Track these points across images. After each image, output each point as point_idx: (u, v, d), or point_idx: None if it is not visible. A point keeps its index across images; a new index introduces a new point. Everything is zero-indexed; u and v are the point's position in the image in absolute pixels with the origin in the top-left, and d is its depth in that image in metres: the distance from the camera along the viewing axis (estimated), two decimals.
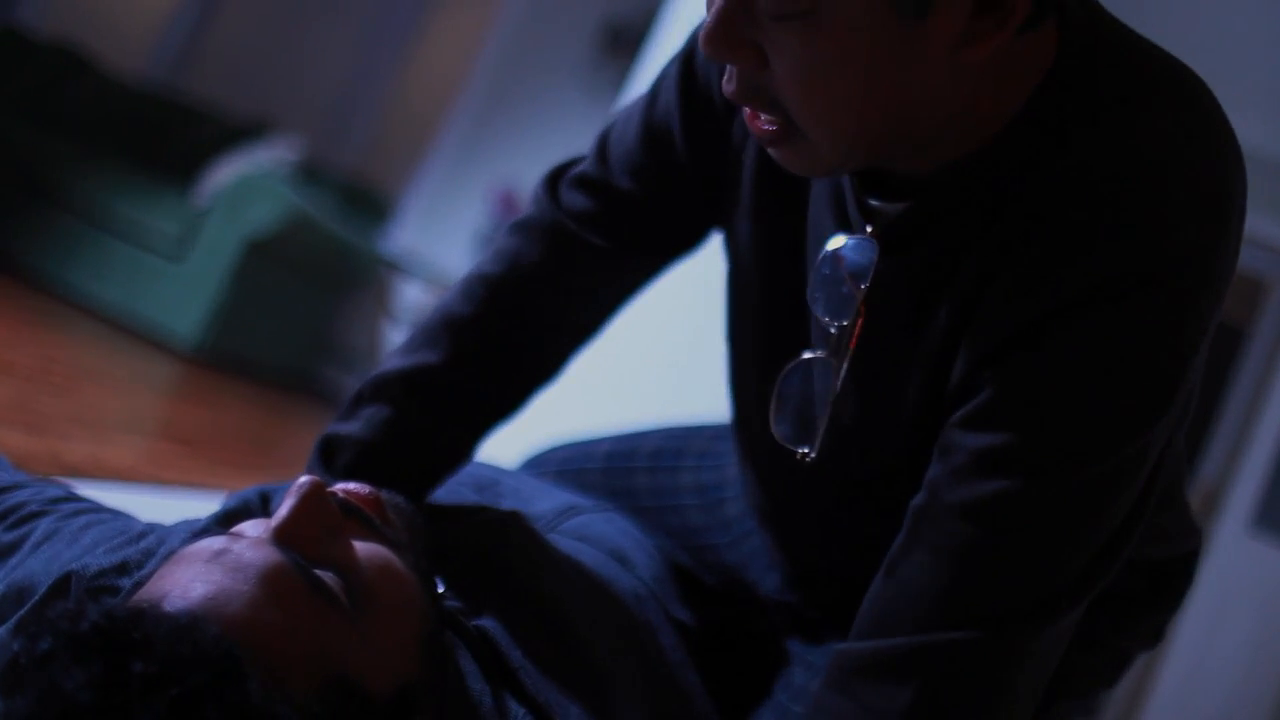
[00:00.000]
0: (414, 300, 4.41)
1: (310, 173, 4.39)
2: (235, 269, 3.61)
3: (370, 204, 4.71)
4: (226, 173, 3.83)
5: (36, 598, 0.77)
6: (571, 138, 4.58)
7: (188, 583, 0.61)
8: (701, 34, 0.69)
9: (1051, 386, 0.71)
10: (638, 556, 0.97)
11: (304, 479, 0.69)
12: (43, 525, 0.87)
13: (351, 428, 0.95)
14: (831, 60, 0.66)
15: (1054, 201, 0.71)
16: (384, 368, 0.99)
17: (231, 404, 3.29)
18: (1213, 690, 3.36)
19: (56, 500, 0.91)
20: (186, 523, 0.87)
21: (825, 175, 0.81)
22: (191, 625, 0.57)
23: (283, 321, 4.14)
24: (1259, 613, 3.43)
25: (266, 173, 3.75)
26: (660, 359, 2.20)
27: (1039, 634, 0.72)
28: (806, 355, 0.84)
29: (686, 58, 0.92)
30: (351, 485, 0.78)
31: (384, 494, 0.79)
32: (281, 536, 0.65)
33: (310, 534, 0.66)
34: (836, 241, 0.80)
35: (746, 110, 0.73)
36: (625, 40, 4.57)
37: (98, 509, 0.91)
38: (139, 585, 0.68)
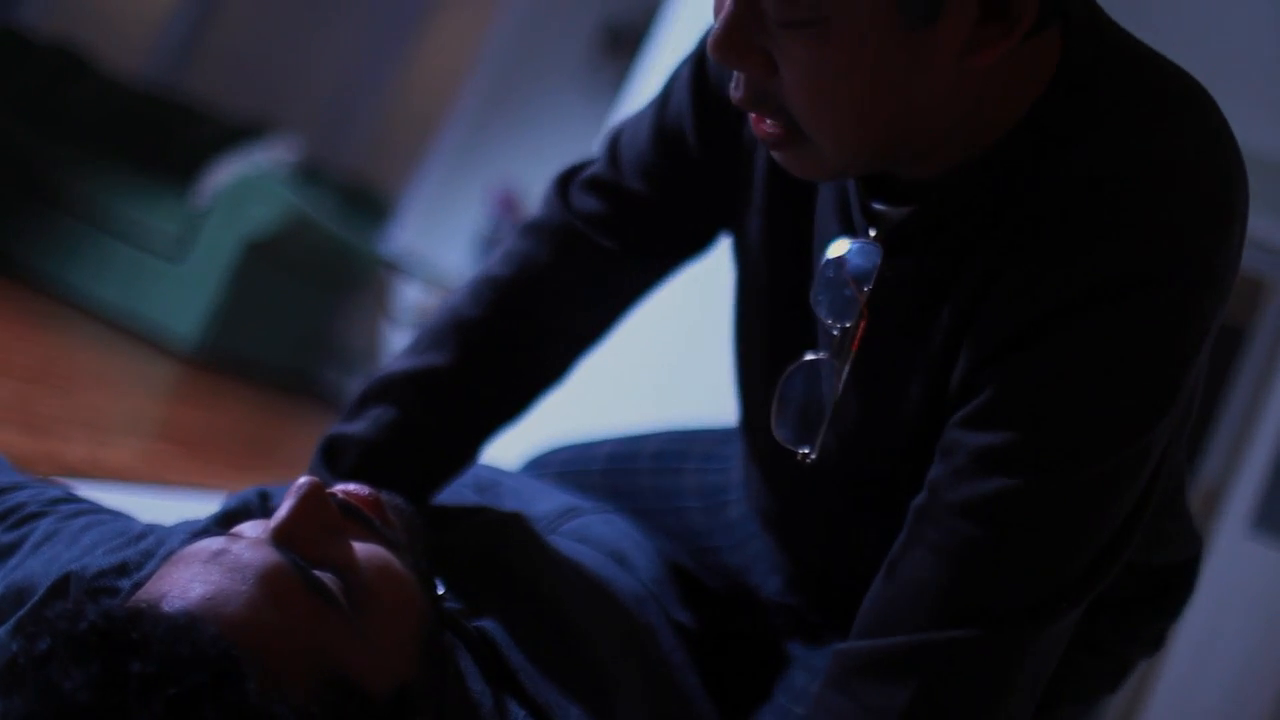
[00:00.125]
0: (414, 301, 4.42)
1: (310, 173, 4.39)
2: (235, 269, 3.61)
3: (370, 204, 4.71)
4: (226, 173, 3.83)
5: (36, 598, 0.77)
6: (571, 138, 4.59)
7: (186, 583, 0.61)
8: (710, 40, 0.69)
9: (1052, 385, 0.71)
10: (638, 558, 0.97)
11: (303, 479, 0.69)
12: (43, 526, 0.87)
13: (356, 428, 0.95)
14: (839, 67, 0.66)
15: (1056, 203, 0.71)
16: (390, 368, 0.99)
17: (231, 404, 3.29)
18: (1213, 690, 3.36)
19: (56, 501, 0.91)
20: (186, 523, 0.87)
21: (829, 180, 0.82)
22: (189, 625, 0.57)
23: (282, 322, 4.14)
24: (1259, 613, 3.42)
25: (266, 173, 3.75)
26: (655, 361, 2.20)
27: (1039, 633, 0.72)
28: (809, 357, 0.84)
29: (698, 59, 0.92)
30: (351, 486, 0.78)
31: (383, 495, 0.79)
32: (280, 537, 0.65)
33: (309, 535, 0.66)
34: (840, 245, 0.80)
35: (753, 114, 0.74)
36: (625, 41, 4.57)
37: (97, 510, 0.91)
38: (138, 586, 0.68)
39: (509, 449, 1.21)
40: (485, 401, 1.00)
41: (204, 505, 0.97)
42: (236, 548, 0.64)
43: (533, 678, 0.76)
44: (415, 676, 0.67)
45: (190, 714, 0.54)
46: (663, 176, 0.96)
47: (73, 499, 0.93)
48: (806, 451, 0.84)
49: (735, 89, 0.72)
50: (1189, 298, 0.70)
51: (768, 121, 0.72)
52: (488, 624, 0.78)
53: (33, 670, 0.54)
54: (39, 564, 0.82)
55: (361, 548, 0.70)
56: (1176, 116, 0.70)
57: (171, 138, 4.28)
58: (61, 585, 0.76)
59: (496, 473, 1.09)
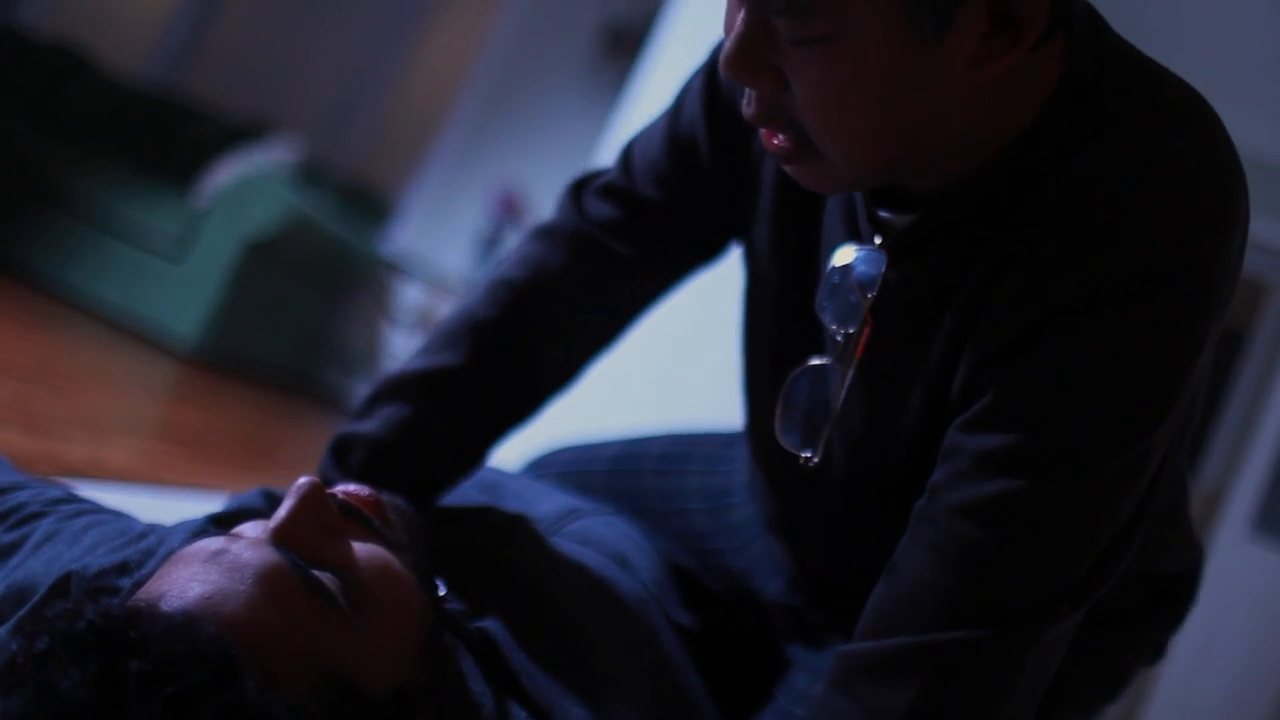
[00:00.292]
0: (414, 301, 4.42)
1: (310, 173, 4.40)
2: (235, 270, 3.61)
3: (370, 205, 4.72)
4: (226, 173, 3.83)
5: (37, 598, 0.77)
6: (572, 139, 4.59)
7: (185, 582, 0.61)
8: (721, 59, 0.70)
9: (1052, 387, 0.71)
10: (639, 560, 0.97)
11: (303, 480, 0.69)
12: (43, 526, 0.87)
13: (367, 427, 0.95)
14: (851, 82, 0.67)
15: (1058, 210, 0.72)
16: (403, 368, 0.99)
17: (231, 404, 3.29)
18: (1213, 691, 3.36)
19: (57, 501, 0.91)
20: (186, 523, 0.87)
21: (840, 192, 0.82)
22: (187, 624, 0.57)
23: (282, 322, 4.14)
24: (1259, 615, 3.42)
25: (266, 173, 3.75)
26: (655, 364, 2.20)
27: (1040, 634, 0.72)
28: (813, 362, 0.85)
29: (710, 71, 0.93)
30: (351, 486, 0.78)
31: (384, 495, 0.79)
32: (280, 537, 0.65)
33: (309, 535, 0.66)
34: (846, 252, 0.81)
35: (764, 130, 0.74)
36: (625, 42, 4.57)
37: (98, 510, 0.91)
38: (139, 585, 0.68)
39: (511, 450, 1.21)
40: (497, 403, 1.00)
41: (204, 505, 0.97)
42: (236, 547, 0.64)
43: (534, 679, 0.76)
44: (415, 677, 0.67)
45: (188, 713, 0.54)
46: (675, 184, 0.98)
47: (73, 499, 0.93)
48: (809, 456, 0.84)
49: (747, 106, 0.73)
50: (1189, 302, 0.70)
51: (779, 136, 0.73)
52: (489, 625, 0.78)
53: (31, 669, 0.54)
54: (40, 564, 0.82)
55: (361, 548, 0.70)
56: (1178, 125, 0.71)
57: (171, 138, 4.28)
58: (63, 585, 0.76)
59: (497, 474, 1.09)
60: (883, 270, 0.79)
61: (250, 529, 0.68)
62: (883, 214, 0.80)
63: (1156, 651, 1.03)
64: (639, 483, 1.15)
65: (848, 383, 0.82)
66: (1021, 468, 0.71)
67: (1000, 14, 0.66)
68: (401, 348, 4.31)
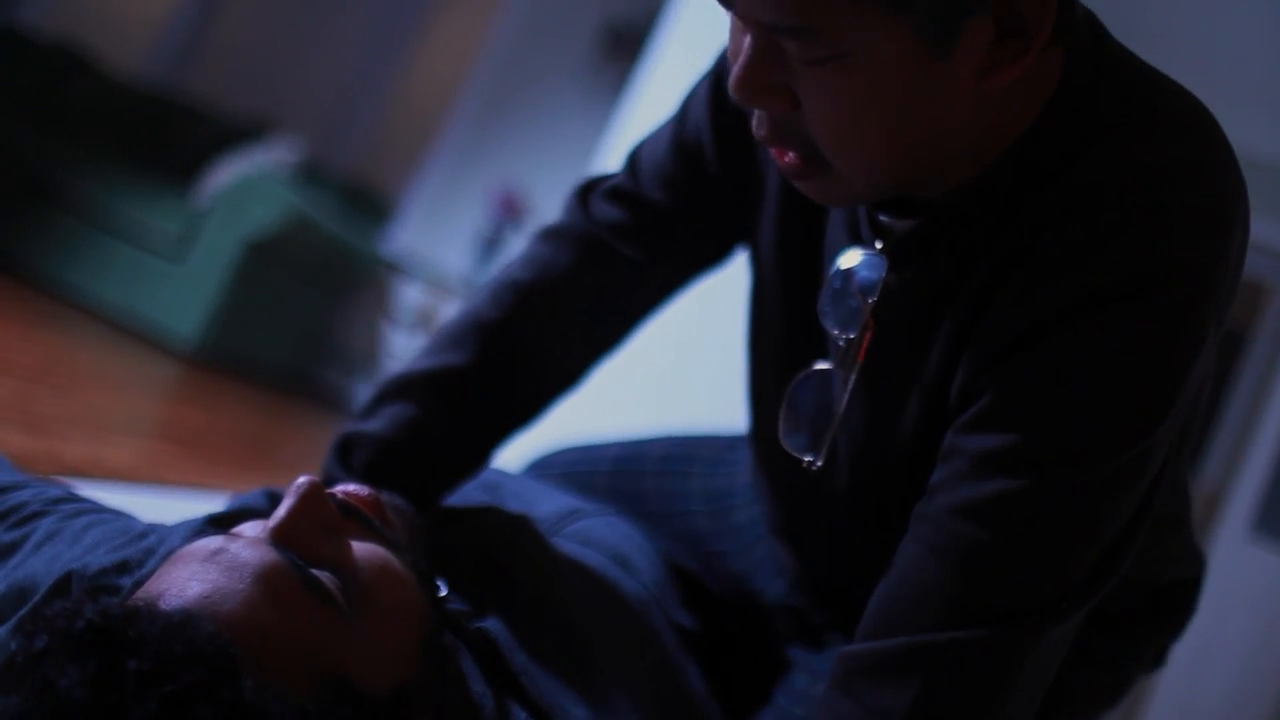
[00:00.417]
0: (414, 301, 4.42)
1: (310, 173, 4.40)
2: (235, 270, 3.61)
3: (370, 204, 4.71)
4: (226, 173, 3.83)
5: (38, 597, 0.77)
6: (572, 139, 4.59)
7: (184, 581, 0.61)
8: (731, 83, 0.70)
9: (1050, 387, 0.71)
10: (640, 561, 0.97)
11: (302, 479, 0.69)
12: (44, 525, 0.87)
13: (372, 425, 0.95)
14: (865, 98, 0.67)
15: (1057, 213, 0.72)
16: (408, 367, 0.99)
17: (231, 404, 3.29)
18: (1213, 692, 3.36)
19: (58, 500, 0.91)
20: (187, 523, 0.87)
21: (850, 205, 0.83)
22: (186, 623, 0.57)
23: (282, 322, 4.14)
24: (1258, 616, 3.43)
25: (266, 173, 3.76)
26: (655, 366, 2.20)
27: (1041, 635, 0.72)
28: (817, 366, 0.85)
29: (716, 76, 0.94)
30: (351, 486, 0.78)
31: (384, 495, 0.79)
32: (279, 536, 0.65)
33: (307, 534, 0.66)
34: (848, 257, 0.82)
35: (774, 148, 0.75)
36: (626, 42, 4.57)
37: (99, 509, 0.91)
38: (139, 584, 0.68)
39: (513, 450, 1.21)
40: (502, 403, 1.00)
41: (204, 505, 0.97)
42: (234, 546, 0.64)
43: (535, 679, 0.76)
44: (414, 677, 0.67)
45: (186, 711, 0.54)
46: (681, 187, 0.98)
47: (74, 498, 0.93)
48: (812, 459, 0.84)
49: (758, 127, 0.73)
50: (1188, 303, 0.70)
51: (789, 154, 0.73)
52: (490, 625, 0.78)
53: (30, 668, 0.54)
54: (41, 563, 0.82)
55: (360, 547, 0.70)
56: (1177, 130, 0.71)
57: (172, 138, 4.28)
58: (63, 584, 0.76)
59: (499, 474, 1.09)
60: (884, 275, 0.79)
61: (250, 528, 0.68)
62: (884, 219, 0.81)
63: (1156, 659, 1.04)
64: (641, 484, 1.15)
65: (850, 387, 0.83)
66: (1020, 467, 0.71)
67: (1007, 22, 0.66)
68: (401, 348, 4.31)
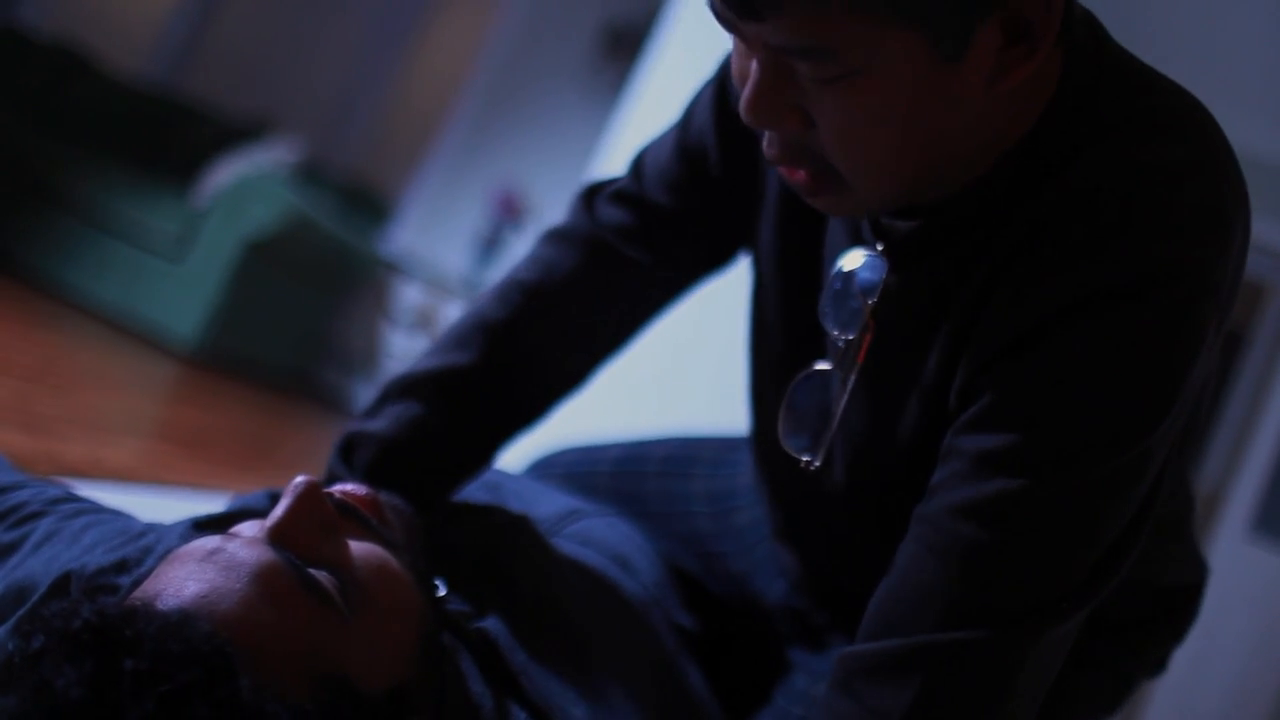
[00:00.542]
0: (413, 301, 4.42)
1: (310, 173, 4.40)
2: (234, 270, 3.61)
3: (370, 205, 4.72)
4: (226, 173, 3.83)
5: (36, 597, 0.77)
6: (572, 139, 4.59)
7: (181, 581, 0.61)
8: (742, 106, 0.70)
9: (1050, 387, 0.71)
10: (640, 562, 0.97)
11: (300, 479, 0.69)
12: (43, 525, 0.87)
13: (376, 425, 0.96)
14: (879, 113, 0.67)
15: (1058, 214, 0.72)
16: (413, 367, 0.99)
17: (231, 404, 3.29)
18: (1212, 692, 3.36)
19: (57, 500, 0.91)
20: (185, 522, 0.87)
21: (862, 214, 0.82)
22: (183, 623, 0.57)
23: (281, 322, 4.14)
24: (1258, 617, 3.42)
25: (266, 173, 3.76)
26: (655, 367, 2.20)
27: (1041, 635, 0.72)
28: (817, 367, 0.85)
29: (720, 82, 0.94)
30: (349, 486, 0.78)
31: (382, 495, 0.79)
32: (276, 536, 0.65)
33: (305, 534, 0.66)
34: (849, 258, 0.82)
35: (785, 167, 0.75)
36: (626, 42, 4.57)
37: (98, 509, 0.91)
38: (137, 583, 0.68)
39: (515, 450, 1.21)
40: (506, 403, 1.00)
41: (204, 505, 0.96)
42: (232, 546, 0.64)
43: (534, 679, 0.76)
44: (412, 677, 0.67)
45: (182, 711, 0.54)
46: (685, 191, 0.98)
47: (73, 498, 0.93)
48: (809, 460, 0.84)
49: (768, 147, 0.73)
50: (1188, 303, 0.70)
51: (801, 172, 0.73)
52: (489, 625, 0.78)
53: (27, 668, 0.54)
54: (40, 563, 0.82)
55: (358, 547, 0.70)
56: (1176, 131, 0.71)
57: (171, 138, 4.28)
58: (62, 584, 0.76)
59: (498, 475, 1.09)
60: (884, 276, 0.79)
61: (247, 528, 0.68)
62: (885, 220, 0.81)
63: (1157, 664, 1.04)
64: (642, 485, 1.15)
65: (849, 388, 0.83)
66: (1019, 468, 0.71)
67: (1015, 26, 0.66)
68: (401, 348, 4.31)
